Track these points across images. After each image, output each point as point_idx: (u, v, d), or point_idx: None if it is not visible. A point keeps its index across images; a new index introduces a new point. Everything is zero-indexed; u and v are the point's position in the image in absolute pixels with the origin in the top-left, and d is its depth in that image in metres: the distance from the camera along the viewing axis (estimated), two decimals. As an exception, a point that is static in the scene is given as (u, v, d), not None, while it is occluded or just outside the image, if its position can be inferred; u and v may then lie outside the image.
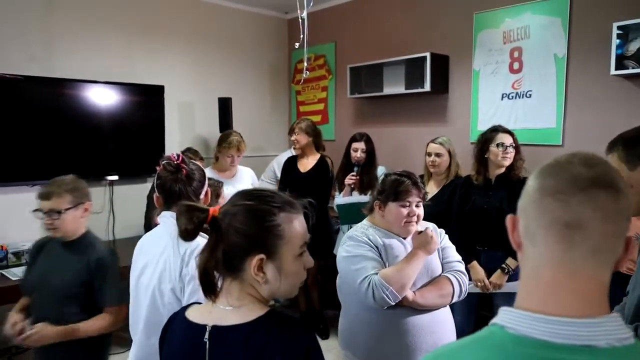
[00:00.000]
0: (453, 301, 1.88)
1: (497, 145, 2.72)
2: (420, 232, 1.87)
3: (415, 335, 1.81)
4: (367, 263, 1.81)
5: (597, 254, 0.71)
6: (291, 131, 3.79)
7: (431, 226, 2.04)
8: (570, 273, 0.72)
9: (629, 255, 0.74)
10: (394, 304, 1.75)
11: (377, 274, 1.77)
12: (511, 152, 2.71)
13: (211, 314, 1.07)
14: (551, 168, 0.78)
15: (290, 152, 4.20)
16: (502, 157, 2.70)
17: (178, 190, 1.66)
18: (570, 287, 0.71)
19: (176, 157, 1.70)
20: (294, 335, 1.05)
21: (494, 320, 0.76)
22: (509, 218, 0.80)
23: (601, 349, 0.67)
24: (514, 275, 2.67)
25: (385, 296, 1.72)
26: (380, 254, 1.86)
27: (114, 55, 4.04)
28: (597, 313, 0.70)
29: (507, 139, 2.73)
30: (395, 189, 1.88)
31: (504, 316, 0.74)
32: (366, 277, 1.77)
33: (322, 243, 3.50)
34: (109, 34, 4.01)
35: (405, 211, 1.87)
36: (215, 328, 1.06)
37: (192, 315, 1.12)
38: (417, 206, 1.89)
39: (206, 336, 1.05)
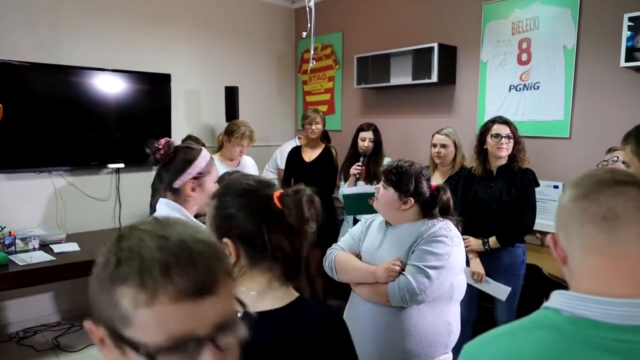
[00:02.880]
0: (394, 304, 1.75)
1: (492, 136, 2.71)
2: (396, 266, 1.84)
3: (359, 321, 1.83)
4: (347, 238, 2.03)
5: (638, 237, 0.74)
6: (312, 120, 3.77)
7: (428, 227, 1.99)
8: (619, 257, 0.74)
9: None
10: (331, 277, 1.96)
11: (340, 249, 1.99)
12: (507, 143, 2.68)
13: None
14: (578, 180, 0.84)
15: (295, 142, 4.20)
16: (497, 148, 2.69)
17: (158, 174, 1.78)
18: (622, 270, 0.74)
19: (162, 144, 1.74)
20: (327, 322, 1.05)
21: (546, 303, 0.77)
22: (549, 237, 0.85)
23: None
24: (499, 276, 2.69)
25: (328, 268, 1.96)
26: (361, 237, 2.00)
27: (121, 43, 4.04)
28: None
29: (503, 130, 2.70)
30: None
31: (558, 299, 0.76)
32: (334, 246, 2.01)
33: (327, 233, 3.50)
34: (116, 22, 4.00)
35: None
36: (246, 315, 1.06)
37: None
38: (382, 187, 1.91)
39: None
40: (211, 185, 1.74)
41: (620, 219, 0.75)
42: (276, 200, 1.07)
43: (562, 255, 0.82)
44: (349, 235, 2.04)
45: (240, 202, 1.08)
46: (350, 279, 1.90)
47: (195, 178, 1.72)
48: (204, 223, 1.19)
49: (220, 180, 1.91)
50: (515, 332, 0.76)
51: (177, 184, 1.70)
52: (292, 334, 1.01)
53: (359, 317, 1.84)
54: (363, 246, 1.96)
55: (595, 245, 0.76)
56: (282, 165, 4.08)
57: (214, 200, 1.12)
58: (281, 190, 1.10)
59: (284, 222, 1.06)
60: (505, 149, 2.68)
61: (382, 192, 1.89)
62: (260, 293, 1.07)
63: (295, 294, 1.09)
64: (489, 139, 2.73)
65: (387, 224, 1.94)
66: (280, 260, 1.07)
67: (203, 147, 1.80)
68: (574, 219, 0.79)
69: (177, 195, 1.71)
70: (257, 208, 1.07)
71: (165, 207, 1.70)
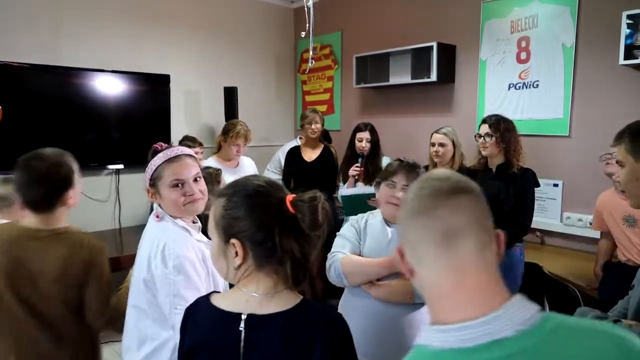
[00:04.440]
0: (419, 300, 1.75)
1: (475, 135, 2.82)
2: None
3: (373, 324, 1.78)
4: (343, 242, 1.88)
5: (481, 252, 0.75)
6: (311, 120, 3.78)
7: None
8: (463, 277, 0.74)
9: (501, 248, 0.79)
10: (339, 285, 1.83)
11: (343, 254, 1.84)
12: (489, 141, 2.72)
13: (248, 303, 1.06)
14: (414, 191, 0.82)
15: (296, 142, 4.20)
16: (481, 147, 2.78)
17: None
18: (467, 290, 0.74)
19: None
20: (332, 323, 1.05)
21: (417, 340, 0.79)
22: (396, 250, 0.84)
23: (510, 337, 0.69)
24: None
25: (336, 276, 1.81)
26: (360, 238, 1.90)
27: (120, 44, 4.04)
28: (497, 304, 0.72)
29: (483, 129, 2.76)
30: (386, 170, 1.93)
31: (423, 334, 0.77)
32: (334, 253, 1.85)
33: (328, 233, 3.49)
34: (115, 23, 4.00)
35: (389, 191, 1.86)
36: (251, 317, 1.05)
37: (221, 302, 1.10)
38: (402, 189, 1.83)
39: (241, 325, 1.04)
40: (167, 190, 1.59)
41: (460, 234, 0.74)
42: (289, 205, 1.05)
43: (409, 269, 0.81)
44: (343, 239, 1.91)
45: (251, 203, 1.06)
46: (364, 279, 1.78)
47: (150, 185, 1.63)
48: (206, 221, 1.17)
49: (206, 175, 1.84)
50: None
51: (146, 182, 1.66)
52: (298, 337, 1.02)
53: (367, 315, 1.79)
54: (366, 246, 1.89)
55: (439, 266, 0.75)
56: None
57: (221, 199, 1.09)
58: (293, 195, 1.08)
59: (296, 227, 1.05)
60: (487, 147, 2.73)
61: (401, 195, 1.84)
62: (266, 295, 1.06)
63: (300, 297, 1.08)
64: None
65: (387, 222, 1.91)
66: (289, 264, 1.06)
67: (166, 150, 1.63)
68: (416, 238, 0.78)
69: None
70: (268, 211, 1.05)
71: (153, 214, 1.66)
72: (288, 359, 1.02)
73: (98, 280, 1.68)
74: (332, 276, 1.83)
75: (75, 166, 1.71)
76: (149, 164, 1.63)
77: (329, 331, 1.03)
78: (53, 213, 1.65)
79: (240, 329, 1.04)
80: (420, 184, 0.83)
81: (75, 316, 1.67)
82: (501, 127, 2.72)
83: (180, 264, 1.50)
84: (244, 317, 1.05)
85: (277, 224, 1.04)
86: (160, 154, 1.62)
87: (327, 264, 1.85)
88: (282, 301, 1.06)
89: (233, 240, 1.06)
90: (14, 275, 1.58)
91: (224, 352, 1.06)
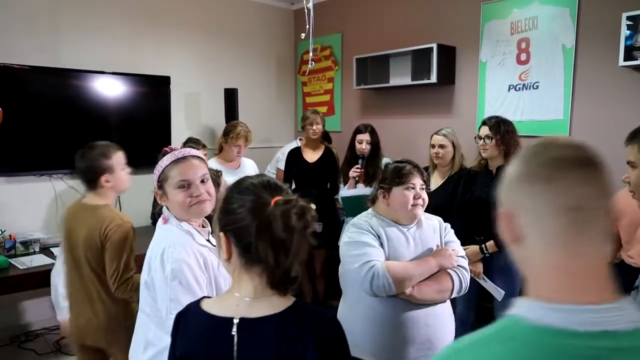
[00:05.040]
0: (452, 296, 1.88)
1: (477, 137, 2.81)
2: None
3: (410, 327, 1.80)
4: (370, 250, 1.81)
5: (605, 232, 0.71)
6: (312, 121, 3.78)
7: (437, 220, 2.02)
8: (583, 257, 0.71)
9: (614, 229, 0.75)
10: (386, 295, 1.78)
11: (380, 262, 1.79)
12: (489, 143, 2.71)
13: (238, 307, 1.05)
14: (533, 156, 0.76)
15: (297, 144, 4.20)
16: (481, 149, 2.78)
17: None
18: (583, 273, 0.71)
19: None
20: (325, 325, 1.04)
21: (512, 311, 0.75)
22: (501, 214, 0.78)
23: (621, 332, 0.67)
24: (496, 277, 2.68)
25: (382, 286, 1.74)
26: (381, 243, 1.87)
27: (120, 45, 4.04)
28: (610, 296, 0.70)
29: (483, 131, 2.76)
30: (398, 174, 1.91)
31: (522, 307, 0.74)
32: (368, 262, 1.78)
33: (330, 233, 3.50)
34: (116, 25, 4.01)
35: (410, 194, 1.88)
36: (243, 320, 1.04)
37: (212, 307, 1.09)
38: (421, 189, 1.89)
39: (234, 329, 1.03)
40: (173, 192, 1.58)
41: (587, 210, 0.70)
42: (272, 206, 1.04)
43: (517, 234, 0.75)
44: (366, 246, 1.83)
45: (242, 199, 1.06)
46: (413, 283, 1.78)
47: (158, 187, 1.63)
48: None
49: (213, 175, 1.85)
50: (483, 343, 0.73)
51: (154, 184, 1.65)
52: (291, 339, 1.01)
53: (403, 324, 1.81)
54: (391, 252, 1.87)
55: (558, 242, 0.71)
56: (283, 167, 4.08)
57: (225, 193, 1.12)
58: (279, 197, 1.06)
59: (271, 230, 1.01)
60: (487, 149, 2.73)
61: (425, 195, 1.93)
62: (256, 298, 1.05)
63: (292, 299, 1.07)
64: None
65: (399, 224, 1.93)
66: (268, 267, 1.04)
67: (174, 151, 1.63)
68: (536, 207, 0.72)
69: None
70: (253, 210, 1.04)
71: (162, 217, 1.66)
72: None
73: (111, 251, 2.00)
74: (376, 286, 1.75)
75: (116, 156, 2.13)
76: (157, 165, 1.63)
77: (322, 332, 1.02)
78: (96, 192, 2.11)
79: (233, 333, 1.03)
80: (541, 148, 0.76)
81: (101, 278, 2.05)
82: (501, 129, 2.71)
83: (178, 268, 1.47)
84: (235, 321, 1.04)
85: (255, 224, 1.02)
86: (168, 155, 1.62)
87: (367, 274, 1.77)
88: (274, 304, 1.05)
89: (220, 233, 1.07)
90: (69, 237, 2.10)
91: (217, 357, 1.05)
